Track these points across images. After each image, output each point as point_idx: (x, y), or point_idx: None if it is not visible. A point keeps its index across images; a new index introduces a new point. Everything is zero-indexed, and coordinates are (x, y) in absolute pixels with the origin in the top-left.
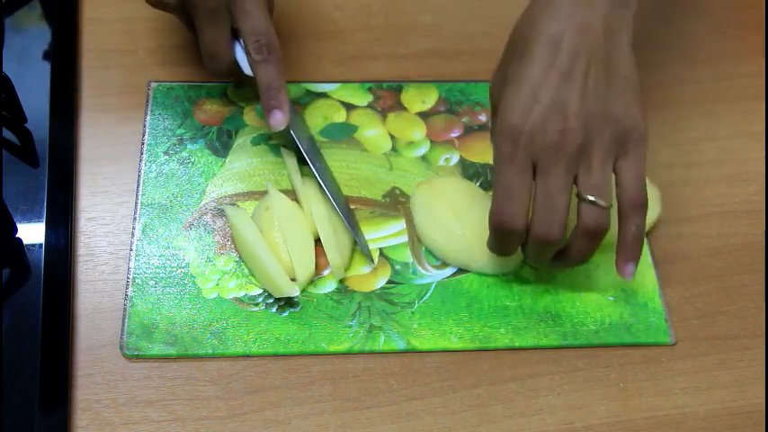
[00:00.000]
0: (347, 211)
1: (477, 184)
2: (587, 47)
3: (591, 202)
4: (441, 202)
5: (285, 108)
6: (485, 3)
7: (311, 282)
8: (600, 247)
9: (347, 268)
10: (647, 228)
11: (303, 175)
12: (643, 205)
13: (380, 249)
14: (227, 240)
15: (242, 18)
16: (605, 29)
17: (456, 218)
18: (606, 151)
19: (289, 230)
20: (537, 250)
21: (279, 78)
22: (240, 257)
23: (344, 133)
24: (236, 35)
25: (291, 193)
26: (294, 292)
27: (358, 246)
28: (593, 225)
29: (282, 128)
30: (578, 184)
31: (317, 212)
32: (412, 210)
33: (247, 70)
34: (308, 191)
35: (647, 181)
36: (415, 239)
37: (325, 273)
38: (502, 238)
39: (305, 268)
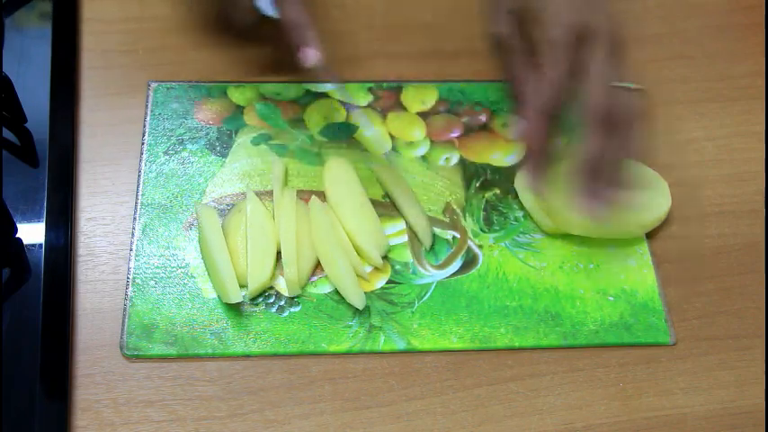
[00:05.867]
0: None
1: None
2: None
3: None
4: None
5: (315, 44)
6: None
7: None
8: (595, 243)
9: (303, 286)
10: (654, 225)
11: (286, 185)
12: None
13: None
14: None
15: None
16: None
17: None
18: None
19: (253, 237)
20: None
21: (305, 15)
22: (201, 255)
23: (344, 133)
24: None
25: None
26: (237, 299)
27: None
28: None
29: (314, 64)
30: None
31: (285, 225)
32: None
33: (268, 11)
34: (284, 202)
35: (657, 174)
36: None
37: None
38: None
39: (258, 277)
